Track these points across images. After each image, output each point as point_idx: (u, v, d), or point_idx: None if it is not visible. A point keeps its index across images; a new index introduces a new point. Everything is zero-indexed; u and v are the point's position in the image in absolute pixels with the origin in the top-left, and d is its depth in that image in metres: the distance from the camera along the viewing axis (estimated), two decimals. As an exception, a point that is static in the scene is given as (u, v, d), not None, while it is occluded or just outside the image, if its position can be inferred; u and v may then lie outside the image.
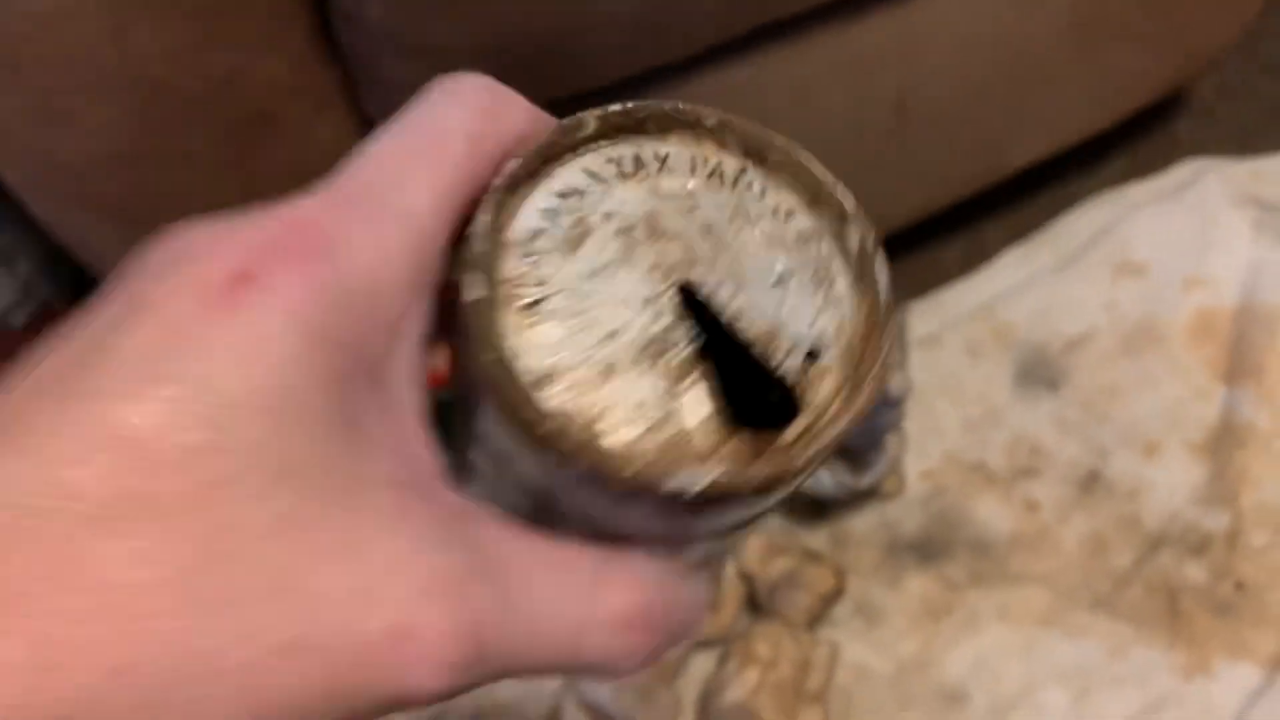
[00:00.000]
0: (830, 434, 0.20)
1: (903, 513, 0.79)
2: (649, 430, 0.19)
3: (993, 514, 0.78)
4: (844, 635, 0.74)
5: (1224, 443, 0.80)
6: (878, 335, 0.21)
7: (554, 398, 0.19)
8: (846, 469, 0.71)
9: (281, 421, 0.16)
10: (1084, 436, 0.71)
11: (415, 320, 0.19)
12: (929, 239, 0.95)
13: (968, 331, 0.87)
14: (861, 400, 0.20)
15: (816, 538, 0.78)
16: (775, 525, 0.79)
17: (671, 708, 0.69)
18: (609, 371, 0.20)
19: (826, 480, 0.71)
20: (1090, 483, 0.79)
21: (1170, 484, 0.78)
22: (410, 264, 0.18)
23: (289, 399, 0.16)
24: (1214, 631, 0.72)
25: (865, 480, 0.72)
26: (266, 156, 0.55)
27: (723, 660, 0.69)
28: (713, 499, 0.19)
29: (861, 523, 0.79)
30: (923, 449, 0.82)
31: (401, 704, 0.16)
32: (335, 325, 0.17)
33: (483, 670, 0.17)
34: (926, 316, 0.88)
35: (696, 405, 0.20)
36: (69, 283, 0.74)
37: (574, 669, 0.19)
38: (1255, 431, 0.80)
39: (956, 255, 0.95)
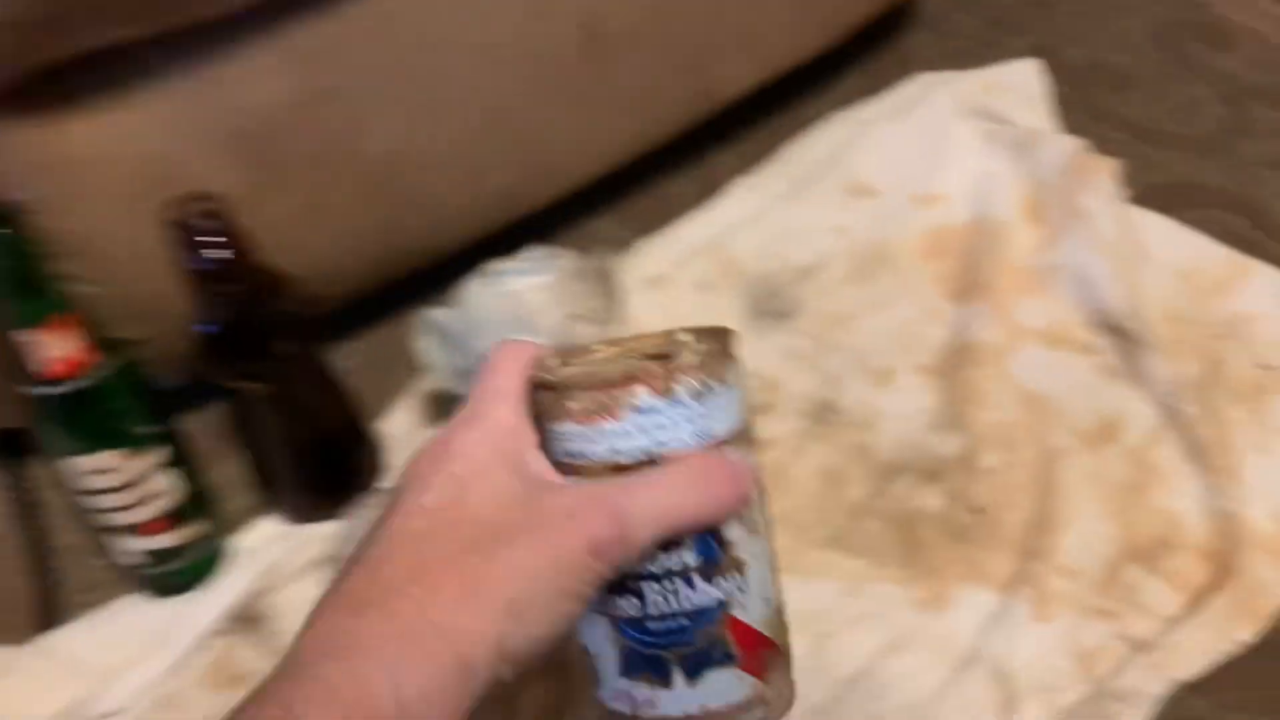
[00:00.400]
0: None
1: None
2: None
3: (729, 458, 0.73)
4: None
5: (955, 363, 0.78)
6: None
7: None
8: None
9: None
10: (816, 367, 0.67)
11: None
12: (660, 173, 0.90)
13: (697, 268, 0.82)
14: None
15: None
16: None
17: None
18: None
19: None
20: (824, 414, 0.76)
21: (903, 410, 0.76)
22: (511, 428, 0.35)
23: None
24: (951, 559, 0.70)
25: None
26: None
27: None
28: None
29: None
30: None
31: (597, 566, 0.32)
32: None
33: (628, 546, 0.32)
34: (656, 255, 0.82)
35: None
36: None
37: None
38: (986, 349, 0.78)
39: (689, 189, 0.90)
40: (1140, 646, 0.66)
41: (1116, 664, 0.65)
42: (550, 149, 0.72)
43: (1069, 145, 0.85)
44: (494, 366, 0.37)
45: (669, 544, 0.33)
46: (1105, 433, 0.75)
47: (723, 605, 0.35)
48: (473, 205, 0.70)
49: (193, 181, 0.56)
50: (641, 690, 0.35)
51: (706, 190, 0.89)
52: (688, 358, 0.34)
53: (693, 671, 0.35)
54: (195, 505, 0.66)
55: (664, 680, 0.35)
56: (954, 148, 0.88)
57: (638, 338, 0.37)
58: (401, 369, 0.79)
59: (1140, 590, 0.68)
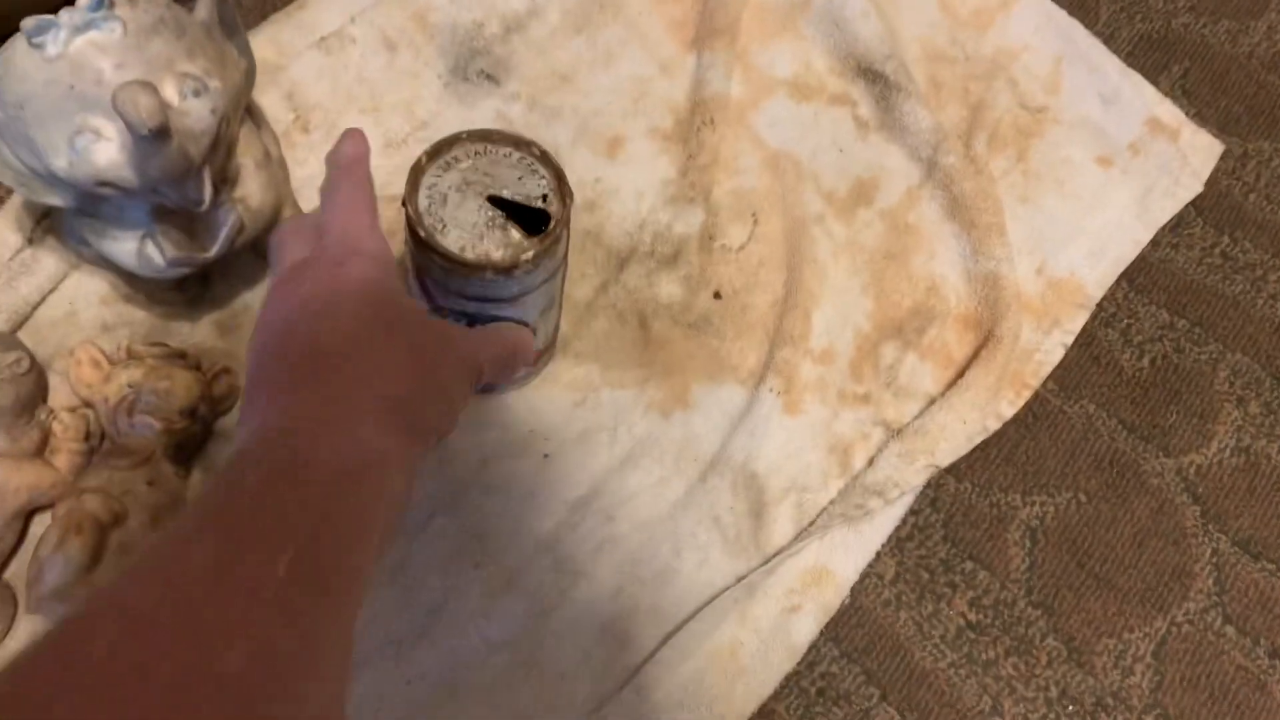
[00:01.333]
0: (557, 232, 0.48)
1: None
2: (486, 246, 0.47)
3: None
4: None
5: (693, 123, 0.66)
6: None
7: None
8: (186, 235, 0.51)
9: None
10: (535, 138, 0.54)
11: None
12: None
13: (381, 20, 0.67)
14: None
15: (200, 329, 0.58)
16: (136, 320, 0.58)
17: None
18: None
19: (156, 258, 0.51)
20: (540, 197, 0.63)
21: (636, 185, 0.64)
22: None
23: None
24: (691, 354, 0.60)
25: (215, 248, 0.52)
26: None
27: (45, 536, 0.49)
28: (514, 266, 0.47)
29: (258, 297, 0.60)
30: (333, 186, 0.63)
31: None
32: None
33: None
34: (327, 6, 0.66)
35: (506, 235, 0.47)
36: None
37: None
38: (728, 104, 0.67)
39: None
40: (899, 433, 0.59)
41: (874, 454, 0.59)
42: None
43: None
44: (336, 189, 0.44)
45: None
46: (860, 194, 0.66)
47: None
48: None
49: None
50: None
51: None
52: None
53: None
54: None
55: None
56: None
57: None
58: None
59: (898, 369, 0.61)
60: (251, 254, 0.58)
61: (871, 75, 0.68)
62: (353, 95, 0.65)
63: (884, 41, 0.68)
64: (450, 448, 0.57)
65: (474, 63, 0.67)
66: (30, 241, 0.59)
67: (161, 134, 0.41)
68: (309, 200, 0.61)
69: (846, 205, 0.65)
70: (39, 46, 0.43)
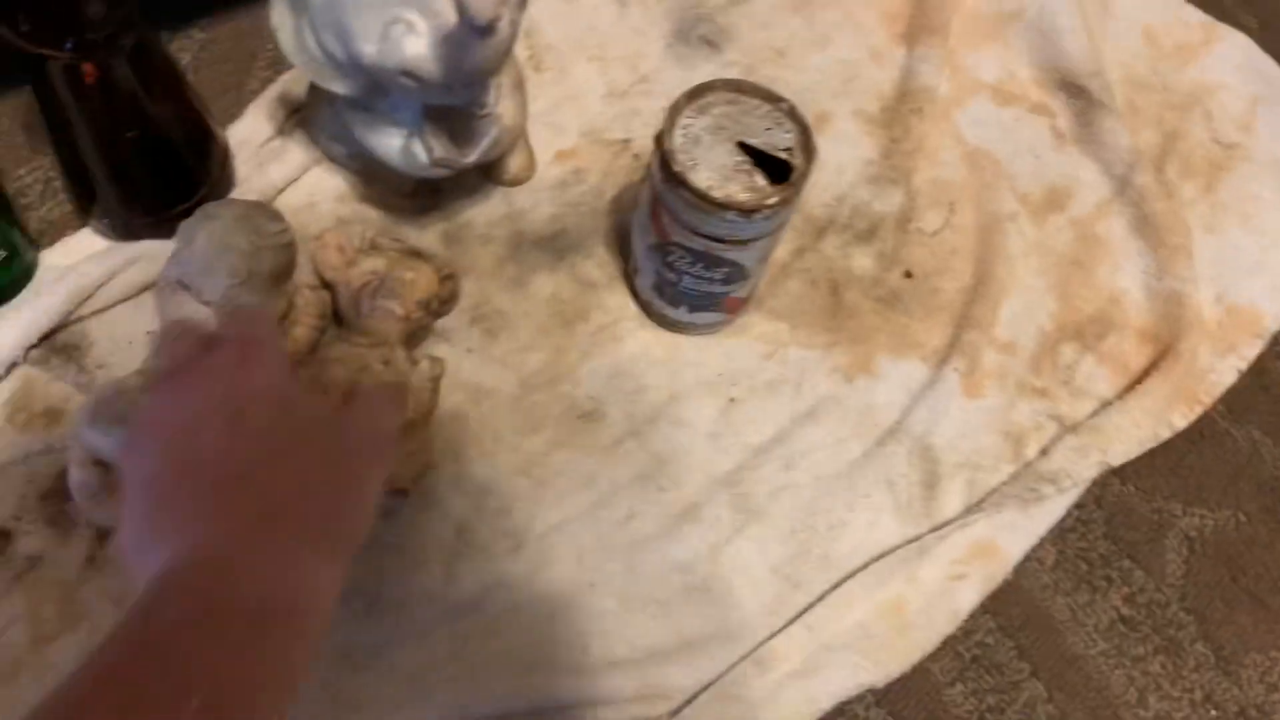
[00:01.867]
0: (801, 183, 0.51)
1: (532, 201, 0.64)
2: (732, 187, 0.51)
3: (634, 202, 0.64)
4: (458, 351, 0.59)
5: (900, 111, 0.69)
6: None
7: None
8: (450, 138, 0.54)
9: None
10: (746, 104, 0.58)
11: None
12: None
13: (616, -23, 0.70)
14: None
15: (426, 235, 0.62)
16: (369, 219, 0.62)
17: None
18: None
19: (420, 155, 0.54)
20: (751, 159, 0.66)
21: (839, 161, 0.67)
22: None
23: None
24: (879, 326, 0.63)
25: (473, 154, 0.55)
26: None
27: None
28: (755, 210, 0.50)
29: (482, 214, 0.63)
30: (556, 123, 0.66)
31: None
32: None
33: None
34: (567, -41, 0.70)
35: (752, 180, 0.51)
36: None
37: None
38: (934, 99, 0.69)
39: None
40: (1072, 428, 0.61)
41: (1046, 444, 0.61)
42: None
43: (1044, -124, 0.74)
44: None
45: None
46: (1052, 200, 0.68)
47: None
48: None
49: None
50: None
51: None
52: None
53: None
54: (-7, 207, 0.53)
55: None
56: None
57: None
58: (264, 63, 0.66)
59: (1076, 369, 0.63)
60: (478, 173, 0.62)
61: (1074, 89, 0.71)
62: (583, 42, 0.68)
63: (1089, 59, 0.70)
64: (642, 380, 0.60)
65: (697, 28, 0.70)
66: (280, 132, 0.63)
67: (489, 29, 0.44)
68: (534, 135, 0.64)
69: (1039, 208, 0.68)
70: (371, -59, 0.47)
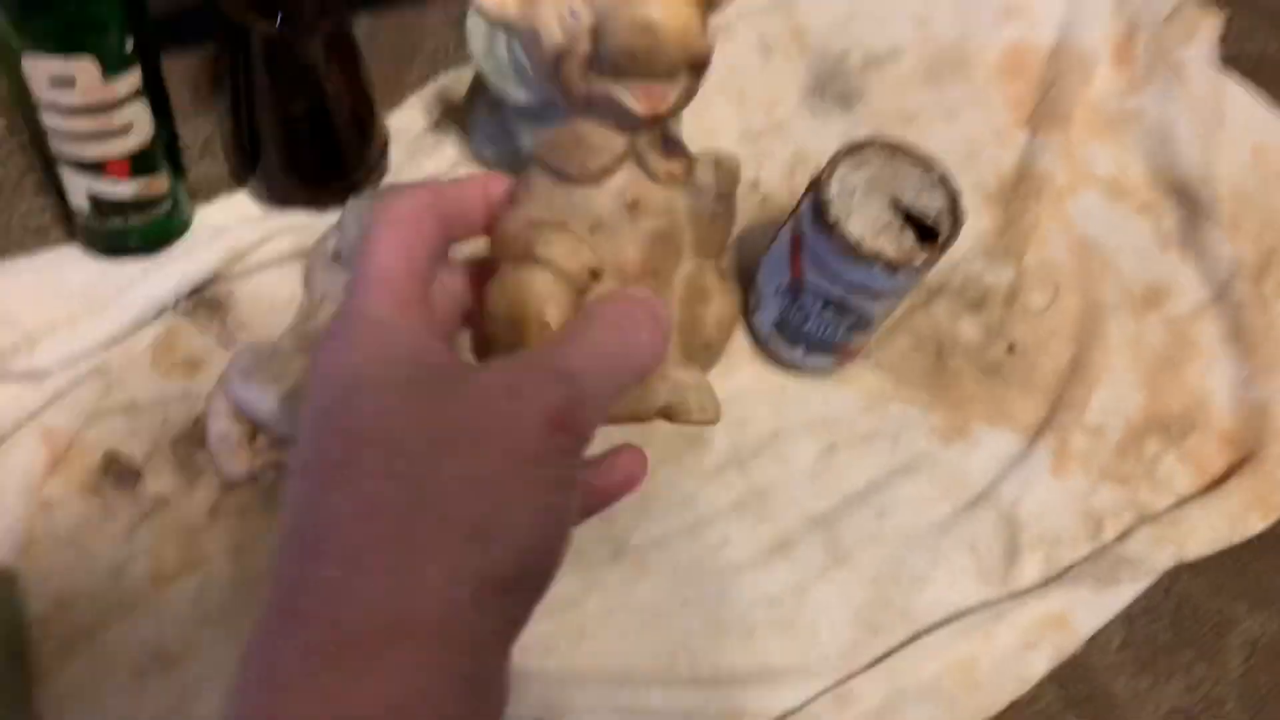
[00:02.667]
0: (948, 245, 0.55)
1: (661, 227, 0.67)
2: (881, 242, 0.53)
3: (761, 241, 0.66)
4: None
5: (1018, 192, 0.71)
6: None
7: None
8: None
9: None
10: (876, 164, 0.61)
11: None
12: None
13: (764, 25, 0.73)
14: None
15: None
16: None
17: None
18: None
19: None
20: (874, 217, 0.69)
21: (957, 230, 0.70)
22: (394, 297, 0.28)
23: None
24: (978, 394, 0.65)
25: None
26: None
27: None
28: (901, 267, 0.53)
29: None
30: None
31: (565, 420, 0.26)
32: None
33: (589, 406, 0.27)
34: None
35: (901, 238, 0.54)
36: None
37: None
38: (1051, 184, 0.72)
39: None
40: (1150, 518, 0.63)
41: (1124, 530, 0.63)
42: None
43: (1177, -10, 0.78)
44: (368, 243, 0.28)
45: None
46: (1151, 298, 0.71)
47: None
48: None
49: None
50: None
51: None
52: None
53: None
54: (162, 156, 0.56)
55: None
56: (1052, -38, 0.79)
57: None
58: (424, 58, 0.69)
59: (1159, 463, 0.65)
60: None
61: (1182, 195, 0.73)
62: (724, 83, 0.71)
63: (1200, 168, 0.73)
64: (748, 412, 0.62)
65: (832, 84, 0.73)
66: (435, 127, 0.65)
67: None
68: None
69: (1139, 303, 0.70)
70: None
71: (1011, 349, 0.67)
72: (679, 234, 0.32)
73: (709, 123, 0.70)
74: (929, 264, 0.54)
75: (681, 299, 0.32)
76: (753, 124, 0.71)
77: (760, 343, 0.63)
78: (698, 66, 0.29)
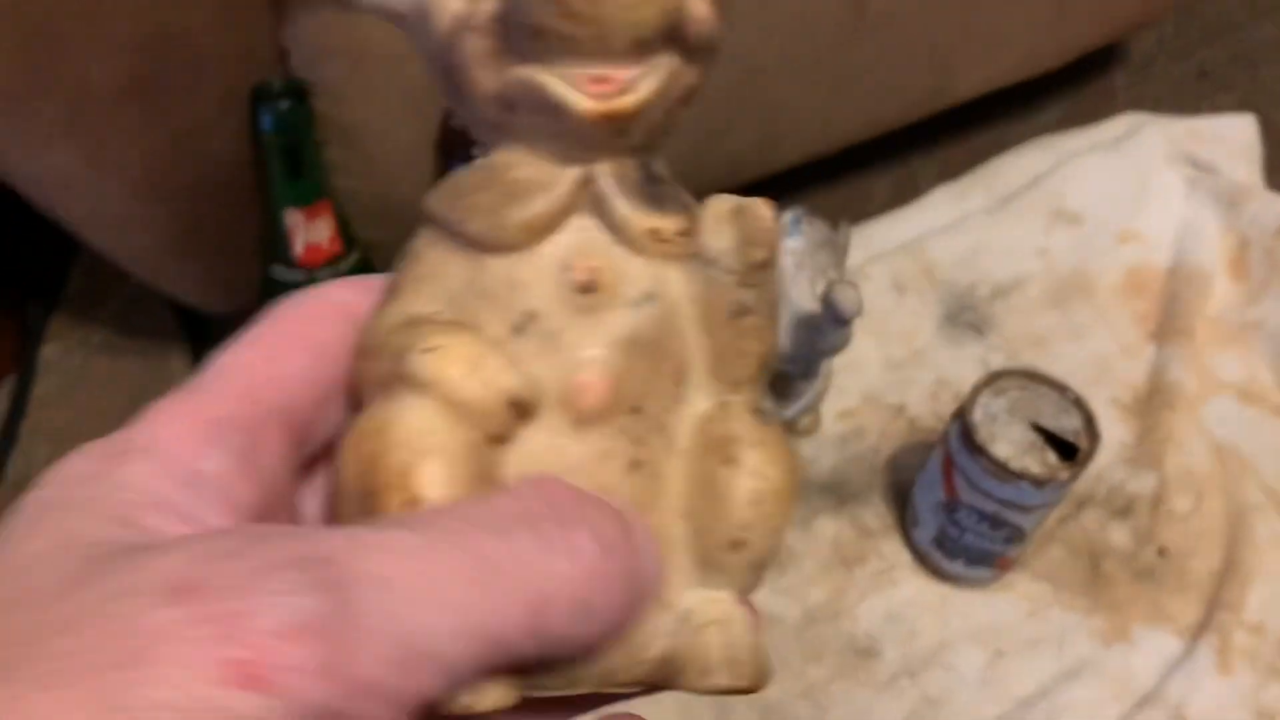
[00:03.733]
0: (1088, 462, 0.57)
1: (817, 452, 0.73)
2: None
3: (912, 461, 0.72)
4: (750, 580, 0.67)
5: (1152, 403, 0.76)
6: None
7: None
8: (774, 396, 0.64)
9: None
10: (1012, 385, 0.67)
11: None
12: (861, 169, 0.89)
13: (896, 266, 0.81)
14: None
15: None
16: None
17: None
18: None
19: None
20: (1016, 434, 0.74)
21: (1097, 441, 0.74)
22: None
23: None
24: (1135, 597, 0.68)
25: (791, 410, 0.65)
26: None
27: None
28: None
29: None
30: (841, 387, 0.76)
31: None
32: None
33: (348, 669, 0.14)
34: (854, 248, 0.81)
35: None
36: None
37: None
38: (1183, 393, 0.76)
39: (887, 188, 0.89)
40: (1324, 715, 0.64)
41: (1299, 729, 0.64)
42: (791, 119, 0.71)
43: (1282, 206, 0.84)
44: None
45: None
46: (1297, 497, 0.73)
47: None
48: (707, 164, 0.70)
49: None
50: None
51: (903, 193, 0.88)
52: None
53: None
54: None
55: None
56: (1160, 190, 0.87)
57: None
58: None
59: (1326, 659, 0.67)
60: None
61: (1315, 397, 0.77)
62: (866, 319, 0.79)
63: (1329, 370, 0.77)
64: (915, 624, 0.66)
65: (964, 314, 0.80)
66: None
67: (849, 322, 0.54)
68: (828, 393, 0.74)
69: (1285, 503, 0.73)
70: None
71: (1162, 552, 0.70)
72: (676, 340, 0.20)
73: (854, 357, 0.77)
74: (1073, 478, 0.59)
75: (692, 462, 0.20)
76: (894, 355, 0.78)
77: (919, 557, 0.68)
78: (690, 39, 0.18)
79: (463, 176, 0.19)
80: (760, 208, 0.20)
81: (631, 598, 0.17)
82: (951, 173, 0.88)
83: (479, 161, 0.19)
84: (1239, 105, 0.96)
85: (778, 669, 0.64)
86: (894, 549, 0.69)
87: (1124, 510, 0.72)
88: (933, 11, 0.70)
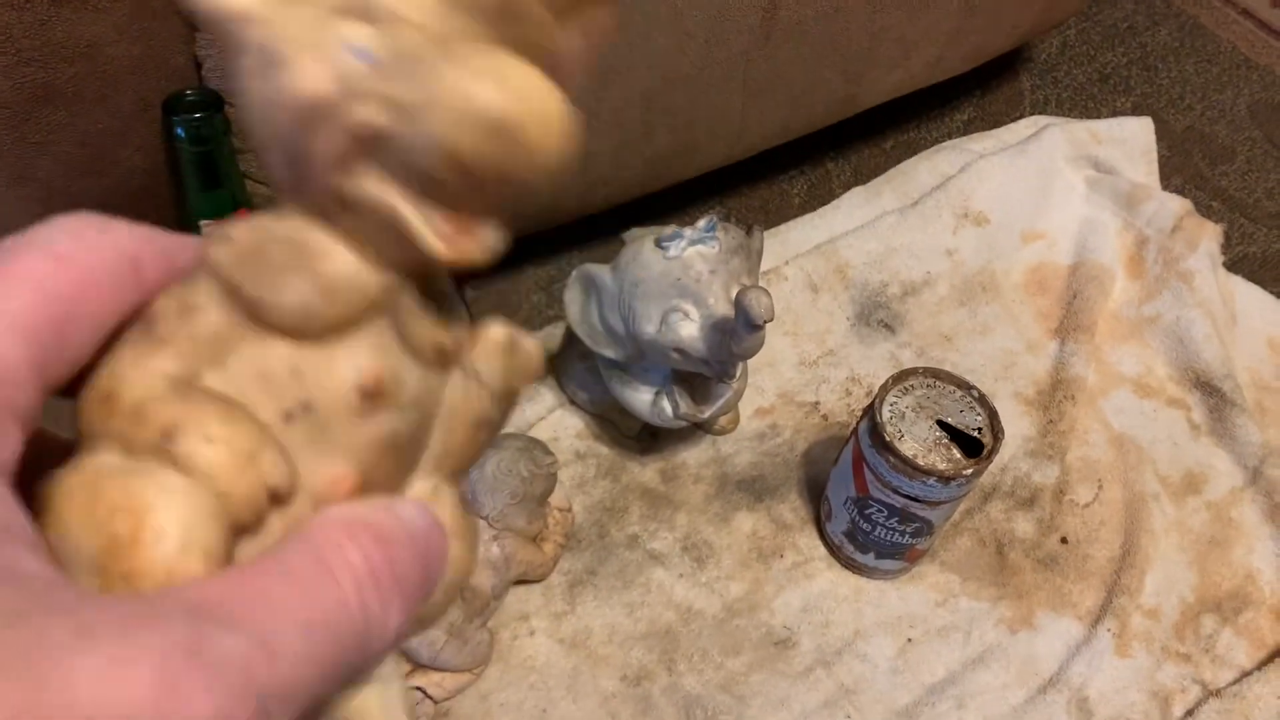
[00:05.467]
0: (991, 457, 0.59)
1: (735, 449, 0.75)
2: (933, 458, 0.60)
3: (826, 457, 0.74)
4: (672, 575, 0.69)
5: (1054, 396, 0.79)
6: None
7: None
8: (692, 398, 0.66)
9: None
10: (922, 382, 0.69)
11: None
12: (778, 172, 0.91)
13: (810, 267, 0.83)
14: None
15: (647, 471, 0.73)
16: (600, 454, 0.73)
17: (486, 645, 0.62)
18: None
19: (668, 410, 0.66)
20: (926, 429, 0.77)
21: (1002, 435, 0.77)
22: None
23: None
24: (1038, 585, 0.71)
25: (710, 410, 0.66)
26: None
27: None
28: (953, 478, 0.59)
29: (693, 457, 0.74)
30: (758, 385, 0.78)
31: None
32: None
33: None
34: (771, 250, 0.83)
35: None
36: None
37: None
38: (1084, 387, 0.80)
39: (801, 191, 0.91)
40: (1215, 693, 0.67)
41: (1191, 706, 0.67)
42: (707, 125, 0.72)
43: (1177, 206, 0.87)
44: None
45: None
46: (1190, 484, 0.77)
47: None
48: (626, 169, 0.71)
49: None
50: None
51: (818, 196, 0.90)
52: None
53: None
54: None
55: None
56: (1062, 190, 0.90)
57: None
58: (521, 318, 0.79)
59: (1216, 639, 0.70)
60: (698, 427, 0.73)
61: (1207, 388, 0.81)
62: (781, 319, 0.81)
63: (1220, 363, 0.81)
64: (830, 615, 0.69)
65: (875, 313, 0.83)
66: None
67: (761, 327, 0.56)
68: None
69: (1178, 491, 0.76)
70: (663, 248, 0.60)
71: (1065, 541, 0.73)
72: (422, 439, 0.21)
73: (770, 356, 0.79)
74: (977, 474, 0.61)
75: None
76: (808, 353, 0.80)
77: (833, 550, 0.71)
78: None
79: (266, 242, 0.18)
80: (531, 347, 0.23)
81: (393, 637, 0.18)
82: (865, 175, 0.91)
83: (282, 227, 0.18)
84: (1137, 108, 1.01)
85: (700, 661, 0.66)
86: (810, 542, 0.72)
87: (1028, 501, 0.75)
88: (842, 19, 0.71)
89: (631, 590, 0.68)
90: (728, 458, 0.75)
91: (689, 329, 0.59)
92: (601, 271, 0.63)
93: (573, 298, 0.65)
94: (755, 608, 0.68)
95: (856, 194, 0.89)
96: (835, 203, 0.88)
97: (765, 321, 0.55)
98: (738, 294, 0.55)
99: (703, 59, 0.67)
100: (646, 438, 0.74)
